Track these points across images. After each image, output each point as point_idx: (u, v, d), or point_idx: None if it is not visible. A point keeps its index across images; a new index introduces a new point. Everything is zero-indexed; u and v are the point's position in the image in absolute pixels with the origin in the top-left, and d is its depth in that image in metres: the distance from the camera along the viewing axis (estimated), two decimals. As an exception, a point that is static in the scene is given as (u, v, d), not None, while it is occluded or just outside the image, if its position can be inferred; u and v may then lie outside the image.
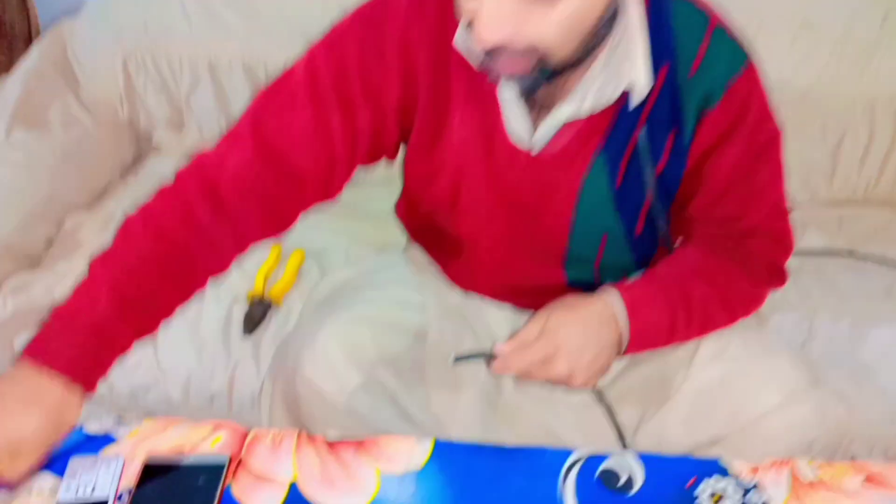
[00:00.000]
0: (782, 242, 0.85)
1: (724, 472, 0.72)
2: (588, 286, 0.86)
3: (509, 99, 0.76)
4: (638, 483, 0.71)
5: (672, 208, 0.83)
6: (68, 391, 0.65)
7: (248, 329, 1.09)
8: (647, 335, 0.80)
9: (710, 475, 0.72)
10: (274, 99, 0.77)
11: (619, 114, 0.75)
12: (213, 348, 1.08)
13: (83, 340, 0.67)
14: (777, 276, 0.85)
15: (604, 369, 0.78)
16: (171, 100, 1.38)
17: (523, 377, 0.77)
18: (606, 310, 0.78)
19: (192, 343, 1.08)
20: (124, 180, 1.39)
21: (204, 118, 1.39)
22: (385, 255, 1.07)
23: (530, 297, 0.91)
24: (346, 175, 0.80)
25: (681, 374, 0.86)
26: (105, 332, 0.68)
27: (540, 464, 0.72)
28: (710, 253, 0.83)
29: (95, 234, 1.23)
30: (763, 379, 0.81)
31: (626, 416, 0.89)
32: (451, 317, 0.94)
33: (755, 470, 0.72)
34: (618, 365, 0.89)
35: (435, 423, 0.89)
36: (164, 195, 0.76)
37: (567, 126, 0.77)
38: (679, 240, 0.89)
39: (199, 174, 0.76)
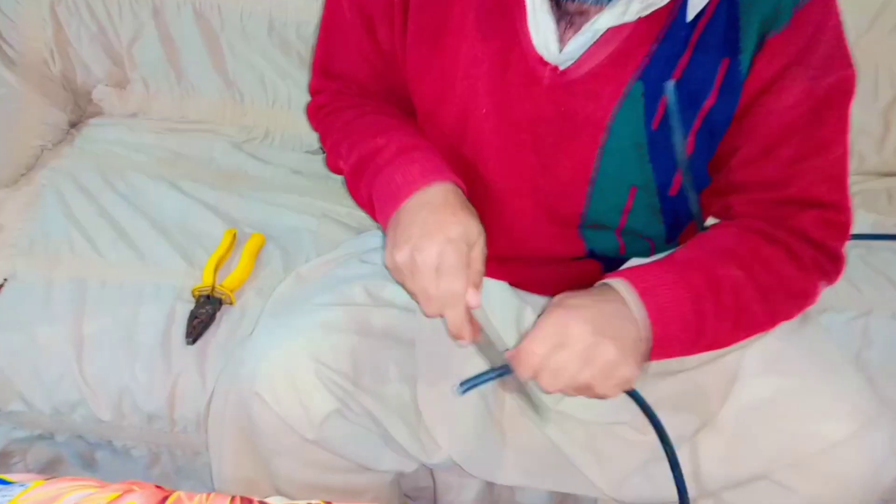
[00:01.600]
0: (839, 221, 0.71)
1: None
2: (610, 261, 0.78)
3: (537, 6, 0.65)
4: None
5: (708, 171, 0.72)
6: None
7: (192, 334, 0.92)
8: (669, 330, 0.65)
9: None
10: (325, 37, 0.81)
11: (666, 32, 0.65)
12: (150, 358, 0.92)
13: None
14: (832, 264, 0.71)
15: (629, 378, 0.64)
16: (110, 51, 1.21)
17: (548, 380, 0.63)
18: (615, 293, 0.65)
19: (125, 351, 0.92)
20: (57, 150, 1.21)
21: (150, 71, 1.23)
22: (364, 239, 0.94)
23: (541, 270, 0.81)
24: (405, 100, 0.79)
25: (720, 390, 0.72)
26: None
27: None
28: (746, 231, 0.70)
29: (18, 217, 1.06)
30: (829, 400, 0.69)
31: (638, 435, 0.75)
32: None
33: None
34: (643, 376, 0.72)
35: (425, 446, 0.78)
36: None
37: (602, 41, 0.66)
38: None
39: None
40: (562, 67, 0.68)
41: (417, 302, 0.66)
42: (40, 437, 0.97)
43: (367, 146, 0.73)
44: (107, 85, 1.25)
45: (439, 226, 0.64)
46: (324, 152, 0.84)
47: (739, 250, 0.69)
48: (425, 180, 0.68)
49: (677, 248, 0.72)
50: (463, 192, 0.69)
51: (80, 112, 1.29)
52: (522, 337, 0.64)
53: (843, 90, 0.68)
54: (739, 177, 0.71)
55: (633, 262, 0.79)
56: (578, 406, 0.75)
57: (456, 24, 0.69)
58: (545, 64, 0.68)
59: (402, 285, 0.67)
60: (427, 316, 0.66)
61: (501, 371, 0.65)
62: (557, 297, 0.66)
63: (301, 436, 0.73)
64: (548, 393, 0.64)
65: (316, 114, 0.83)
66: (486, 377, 0.66)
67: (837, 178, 0.70)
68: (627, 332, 0.63)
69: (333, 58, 0.80)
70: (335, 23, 0.78)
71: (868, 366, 0.91)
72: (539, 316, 0.65)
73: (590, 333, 0.61)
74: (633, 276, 0.66)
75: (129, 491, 0.60)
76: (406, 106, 0.79)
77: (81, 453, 0.99)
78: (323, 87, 0.83)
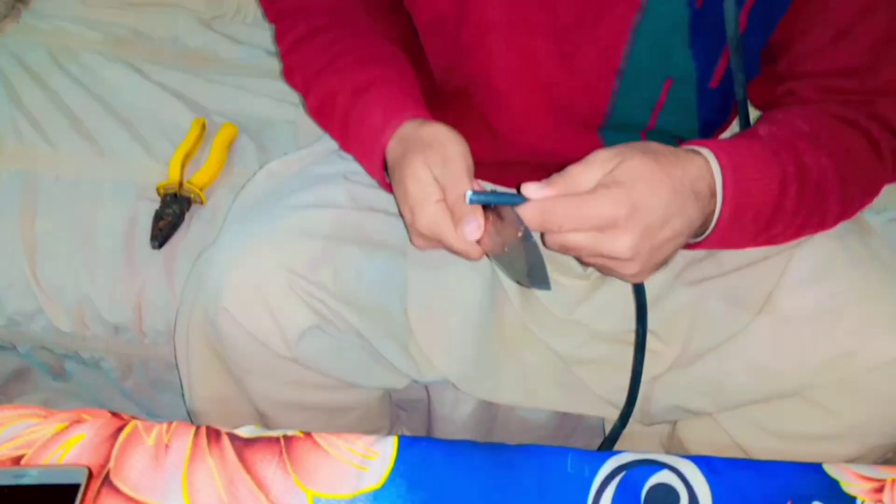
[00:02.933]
0: None
1: (834, 496, 0.48)
2: None
3: None
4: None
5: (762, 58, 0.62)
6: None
7: (158, 237, 0.83)
8: (741, 223, 0.56)
9: (813, 499, 0.48)
10: None
11: None
12: (111, 263, 0.83)
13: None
14: None
15: (666, 261, 0.56)
16: None
17: (558, 246, 0.53)
18: (702, 180, 0.54)
19: (84, 256, 0.83)
20: (1, 27, 1.07)
21: None
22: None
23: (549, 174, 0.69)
24: None
25: (761, 292, 0.64)
26: None
27: (556, 476, 0.49)
28: (823, 115, 0.60)
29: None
30: (886, 312, 0.61)
31: (661, 346, 0.67)
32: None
33: (879, 489, 0.48)
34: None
35: (417, 363, 0.71)
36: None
37: None
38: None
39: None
40: None
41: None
42: (1, 349, 0.89)
43: (322, 90, 0.66)
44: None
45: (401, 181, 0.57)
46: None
47: (822, 134, 0.59)
48: (388, 128, 0.60)
49: (757, 126, 0.61)
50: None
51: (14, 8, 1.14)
52: (564, 172, 0.53)
53: None
54: (809, 65, 0.61)
55: None
56: (593, 315, 0.68)
57: None
58: None
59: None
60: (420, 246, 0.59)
61: (520, 200, 0.53)
62: (630, 165, 0.52)
63: (276, 353, 0.66)
64: (550, 248, 0.54)
65: (275, 20, 0.72)
66: (501, 198, 0.55)
67: None
68: (671, 247, 0.53)
69: None
70: None
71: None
72: (596, 153, 0.53)
73: (628, 248, 0.51)
74: (723, 148, 0.55)
75: (79, 421, 0.52)
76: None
77: (49, 364, 0.92)
78: (279, 15, 0.71)
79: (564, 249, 0.53)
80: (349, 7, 0.69)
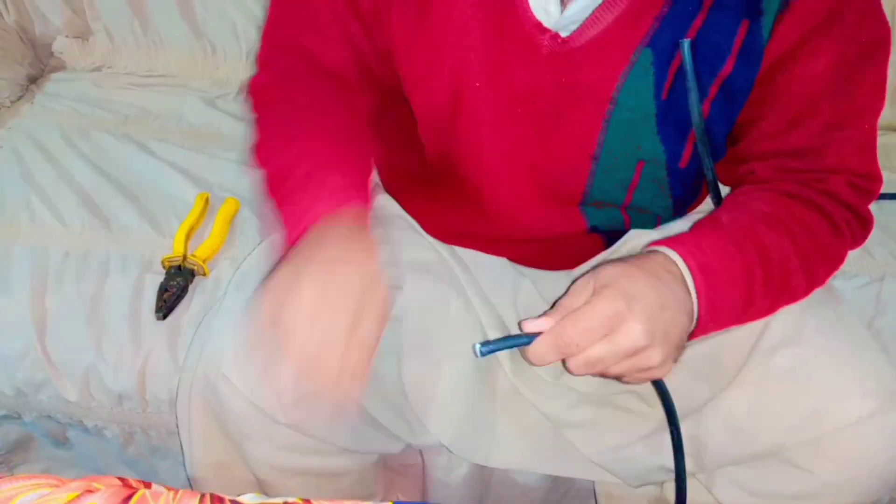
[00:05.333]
0: (869, 183, 0.67)
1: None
2: (614, 234, 0.74)
3: None
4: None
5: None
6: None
7: (162, 308, 0.86)
8: (720, 305, 0.60)
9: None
10: (283, 6, 0.70)
11: None
12: (117, 334, 0.86)
13: None
14: (862, 228, 0.68)
15: (681, 345, 0.59)
16: None
17: (584, 368, 0.56)
18: (669, 263, 0.59)
19: (91, 328, 0.86)
20: (16, 108, 1.13)
21: (113, 21, 1.15)
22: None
23: (539, 247, 0.76)
24: (388, 69, 0.69)
25: (736, 359, 0.67)
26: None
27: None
28: (780, 195, 0.65)
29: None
30: (853, 376, 0.64)
31: (645, 407, 0.71)
32: (434, 279, 0.75)
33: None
34: None
35: (412, 427, 0.74)
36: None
37: (607, 4, 0.60)
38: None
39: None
40: (563, 34, 0.61)
41: None
42: (7, 417, 0.92)
43: (277, 163, 0.65)
44: (67, 36, 1.17)
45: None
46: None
47: (780, 214, 0.63)
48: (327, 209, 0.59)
49: (716, 210, 0.67)
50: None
51: (41, 66, 1.22)
52: (556, 306, 0.57)
53: (878, 51, 0.62)
54: (765, 147, 0.66)
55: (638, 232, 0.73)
56: (581, 379, 0.70)
57: None
58: (544, 31, 0.61)
59: None
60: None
61: (529, 339, 0.57)
62: (606, 272, 0.57)
63: (272, 419, 0.68)
64: (578, 374, 0.57)
65: (255, 92, 0.73)
66: (510, 342, 0.58)
67: (871, 146, 0.65)
68: (679, 326, 0.57)
69: (288, 24, 0.70)
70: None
71: (881, 334, 0.87)
72: (574, 282, 0.58)
73: (642, 334, 0.54)
74: (688, 249, 0.60)
75: (90, 491, 0.55)
76: (376, 80, 0.71)
77: (52, 432, 0.94)
78: (268, 61, 0.72)
79: (591, 368, 0.56)
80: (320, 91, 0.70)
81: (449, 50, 0.64)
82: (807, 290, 0.65)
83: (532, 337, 0.56)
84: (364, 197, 0.61)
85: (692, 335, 0.60)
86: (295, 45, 0.69)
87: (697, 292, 0.58)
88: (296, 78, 0.70)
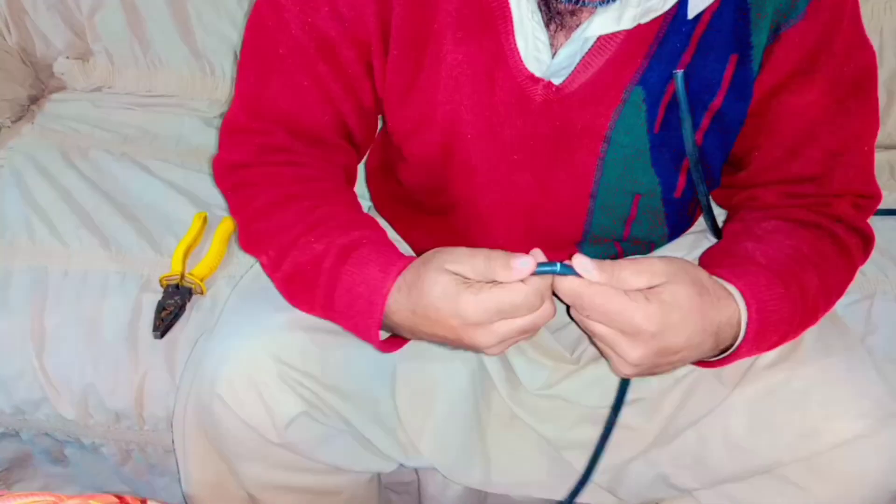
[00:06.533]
0: (871, 202, 0.69)
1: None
2: None
3: (524, 10, 0.59)
4: None
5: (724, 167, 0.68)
6: None
7: (160, 327, 0.87)
8: (755, 350, 0.61)
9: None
10: (256, 66, 0.68)
11: (666, 30, 0.60)
12: (115, 353, 0.87)
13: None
14: (866, 246, 0.69)
15: (657, 374, 0.61)
16: (70, 20, 1.14)
17: (579, 321, 0.57)
18: (732, 325, 0.59)
19: (89, 346, 0.87)
20: (16, 128, 1.14)
21: (113, 43, 1.16)
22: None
23: None
24: (365, 125, 0.71)
25: (733, 375, 0.68)
26: None
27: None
28: (797, 225, 0.66)
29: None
30: (849, 394, 0.65)
31: (643, 422, 0.71)
32: None
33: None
34: None
35: (405, 448, 0.74)
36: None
37: (597, 49, 0.61)
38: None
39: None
40: (556, 81, 0.62)
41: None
42: (4, 435, 0.92)
43: (304, 253, 0.63)
44: (68, 57, 1.18)
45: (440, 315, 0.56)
46: (235, 225, 0.72)
47: (804, 250, 0.64)
48: (391, 279, 0.59)
49: (735, 238, 0.67)
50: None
51: (42, 87, 1.23)
52: (617, 264, 0.55)
53: (867, 74, 0.64)
54: (766, 176, 0.67)
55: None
56: (575, 391, 0.72)
57: (434, 44, 0.63)
58: (536, 80, 0.62)
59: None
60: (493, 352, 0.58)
61: (565, 270, 0.55)
62: (677, 291, 0.55)
63: (266, 439, 0.69)
64: (571, 318, 0.58)
65: (229, 173, 0.70)
66: (547, 268, 0.55)
67: (870, 167, 0.67)
68: (671, 368, 0.59)
69: (267, 89, 0.67)
70: (272, 48, 0.66)
71: (872, 352, 0.86)
72: (654, 255, 0.60)
73: (639, 357, 0.55)
74: (751, 290, 0.59)
75: (84, 509, 0.55)
76: (353, 138, 0.71)
77: (49, 450, 0.95)
78: (245, 129, 0.69)
79: (582, 324, 0.57)
80: (318, 177, 0.69)
81: (440, 105, 0.64)
82: (823, 314, 0.66)
83: (569, 270, 0.54)
84: (400, 260, 0.61)
85: (718, 363, 0.61)
86: (274, 114, 0.67)
87: (746, 335, 0.58)
88: (274, 147, 0.68)
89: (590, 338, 0.60)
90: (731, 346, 0.60)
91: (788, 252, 0.64)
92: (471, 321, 0.54)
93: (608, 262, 0.55)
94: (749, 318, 0.58)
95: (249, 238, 0.69)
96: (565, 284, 0.55)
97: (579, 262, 0.54)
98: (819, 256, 0.64)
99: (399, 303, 0.58)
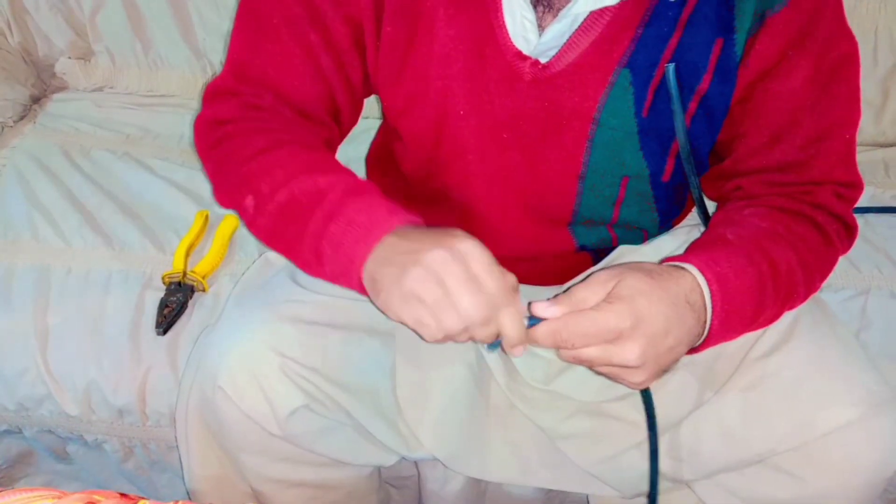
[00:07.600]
0: (853, 191, 0.70)
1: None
2: (602, 251, 0.76)
3: None
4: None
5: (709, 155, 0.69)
6: None
7: (162, 324, 0.88)
8: (731, 325, 0.62)
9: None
10: (249, 31, 0.68)
11: (652, 13, 0.61)
12: (118, 350, 0.88)
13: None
14: (849, 235, 0.70)
15: (669, 369, 0.61)
16: (71, 21, 1.15)
17: (572, 359, 0.58)
18: (694, 292, 0.60)
19: (92, 343, 0.88)
20: (18, 128, 1.14)
21: (115, 43, 1.16)
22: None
23: (528, 266, 0.76)
24: (351, 104, 0.71)
25: (726, 367, 0.69)
26: None
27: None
28: (773, 210, 0.67)
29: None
30: (841, 383, 0.66)
31: (637, 415, 0.70)
32: None
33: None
34: None
35: (406, 440, 0.74)
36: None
37: (584, 28, 0.62)
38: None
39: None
40: (543, 60, 0.63)
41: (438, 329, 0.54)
42: (7, 432, 0.93)
43: (303, 185, 0.60)
44: (70, 57, 1.19)
45: (442, 240, 0.55)
46: (209, 181, 0.69)
47: (778, 229, 0.65)
48: (397, 219, 0.57)
49: (713, 227, 0.68)
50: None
51: (44, 87, 1.23)
52: (568, 293, 0.57)
53: (849, 62, 0.65)
54: (751, 163, 0.68)
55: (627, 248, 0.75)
56: (573, 385, 0.72)
57: (426, 20, 0.64)
58: (524, 58, 0.64)
59: (417, 324, 0.55)
60: (480, 339, 0.56)
61: (532, 321, 0.57)
62: (628, 283, 0.56)
63: (267, 431, 0.69)
64: (564, 360, 0.59)
65: (212, 129, 0.68)
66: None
67: (852, 156, 0.68)
68: (674, 354, 0.59)
69: (257, 56, 0.67)
70: (266, 16, 0.66)
71: (867, 347, 0.87)
72: (594, 273, 0.58)
73: (636, 357, 0.56)
74: (702, 262, 0.61)
75: (91, 503, 0.56)
76: (340, 115, 0.71)
77: (52, 447, 0.95)
78: (232, 91, 0.68)
79: (578, 361, 0.58)
80: (308, 133, 0.67)
81: (433, 82, 0.66)
82: (805, 297, 0.68)
83: (535, 320, 0.56)
84: (412, 215, 0.60)
85: (700, 347, 0.62)
86: (264, 80, 0.67)
87: (714, 304, 0.60)
88: (261, 107, 0.67)
89: (596, 372, 0.61)
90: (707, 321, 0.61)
91: (761, 231, 0.65)
92: (471, 269, 0.54)
93: (561, 295, 0.58)
94: (711, 289, 0.60)
95: (232, 182, 0.65)
96: (540, 331, 0.56)
97: (537, 307, 0.57)
98: (794, 236, 0.65)
99: (393, 244, 0.56)
